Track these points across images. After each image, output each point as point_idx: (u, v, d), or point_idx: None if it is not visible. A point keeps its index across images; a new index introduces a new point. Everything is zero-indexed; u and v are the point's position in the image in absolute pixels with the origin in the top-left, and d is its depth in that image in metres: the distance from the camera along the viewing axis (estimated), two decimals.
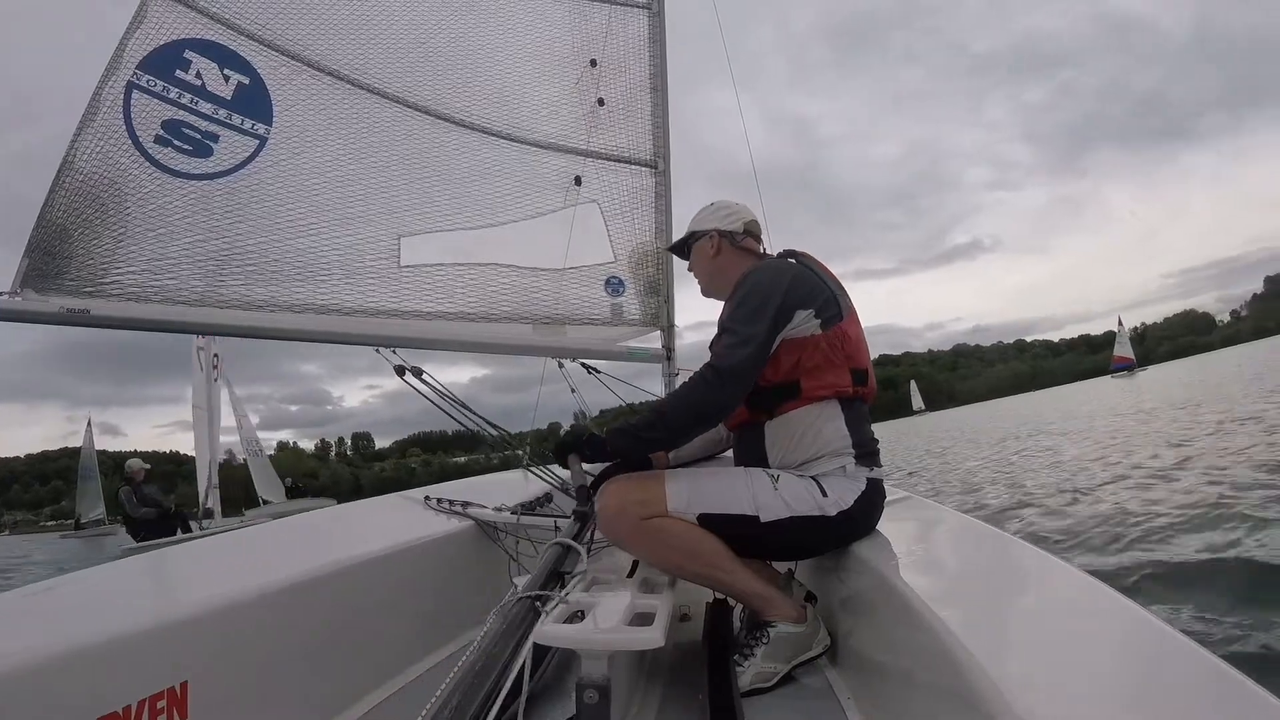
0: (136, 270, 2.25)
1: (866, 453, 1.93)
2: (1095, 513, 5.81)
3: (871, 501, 1.90)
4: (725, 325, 1.90)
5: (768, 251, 2.29)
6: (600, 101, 3.45)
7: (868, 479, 1.90)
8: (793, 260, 2.13)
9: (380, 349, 2.67)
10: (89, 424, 38.18)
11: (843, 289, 2.05)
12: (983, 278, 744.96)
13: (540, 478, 2.75)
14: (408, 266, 2.85)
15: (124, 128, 2.24)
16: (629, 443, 1.89)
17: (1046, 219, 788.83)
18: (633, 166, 3.47)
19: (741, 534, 1.82)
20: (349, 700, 1.87)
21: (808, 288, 1.95)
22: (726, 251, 2.25)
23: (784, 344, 1.90)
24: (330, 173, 2.72)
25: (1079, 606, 1.19)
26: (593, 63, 3.47)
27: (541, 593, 0.82)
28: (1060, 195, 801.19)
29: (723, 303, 2.24)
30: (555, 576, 0.99)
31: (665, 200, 3.45)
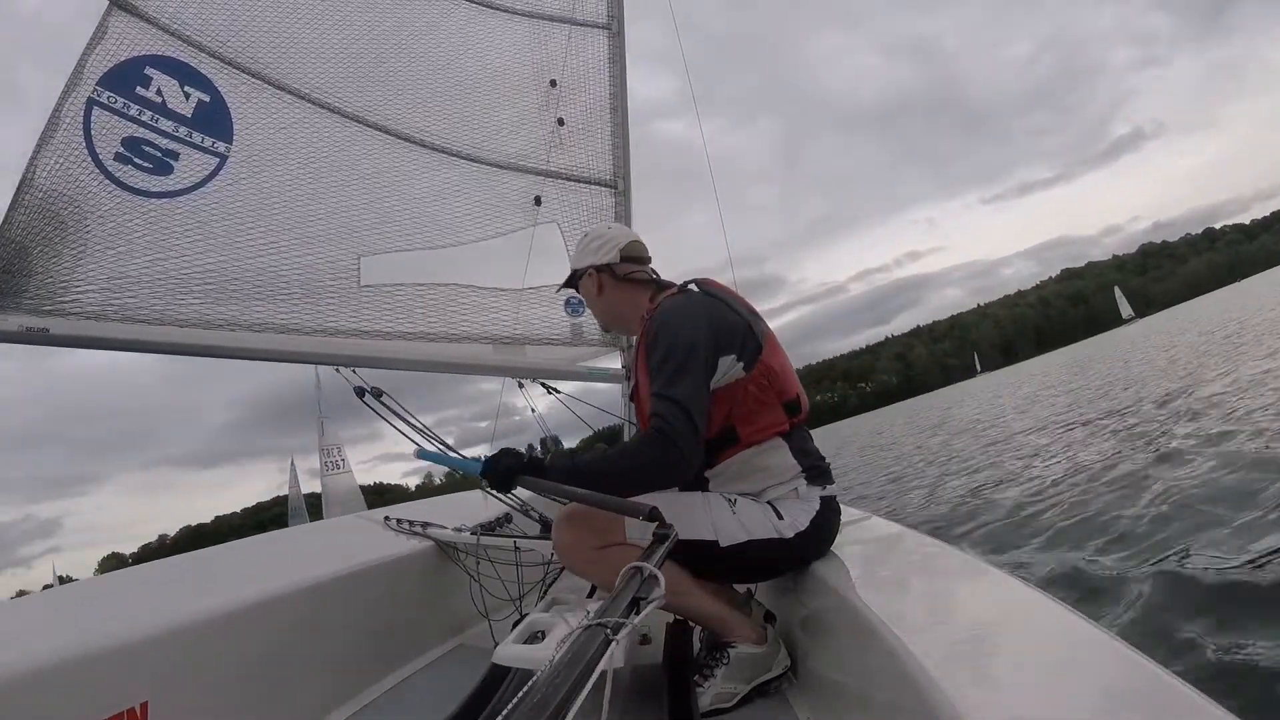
0: (96, 289, 2.21)
1: (817, 472, 1.94)
2: None
3: (826, 520, 1.93)
4: (663, 391, 1.77)
5: (671, 281, 2.18)
6: (560, 121, 3.50)
7: (820, 498, 1.92)
8: (694, 288, 2.07)
9: (340, 369, 2.66)
10: (292, 465, 36.34)
11: (755, 313, 2.00)
12: (1153, 168, 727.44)
13: (499, 499, 2.76)
14: (368, 286, 2.84)
15: (84, 145, 2.21)
16: (572, 481, 1.73)
17: (1207, 89, 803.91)
18: (592, 186, 3.52)
19: (701, 558, 1.81)
20: None
21: (724, 327, 1.89)
22: (610, 286, 2.15)
23: (714, 396, 1.85)
24: (290, 191, 2.71)
25: (1036, 626, 1.20)
26: (553, 83, 3.52)
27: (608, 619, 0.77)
28: (1215, 60, 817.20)
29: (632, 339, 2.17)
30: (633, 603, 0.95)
31: (625, 220, 3.49)
